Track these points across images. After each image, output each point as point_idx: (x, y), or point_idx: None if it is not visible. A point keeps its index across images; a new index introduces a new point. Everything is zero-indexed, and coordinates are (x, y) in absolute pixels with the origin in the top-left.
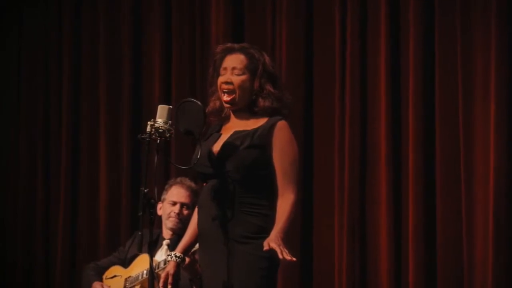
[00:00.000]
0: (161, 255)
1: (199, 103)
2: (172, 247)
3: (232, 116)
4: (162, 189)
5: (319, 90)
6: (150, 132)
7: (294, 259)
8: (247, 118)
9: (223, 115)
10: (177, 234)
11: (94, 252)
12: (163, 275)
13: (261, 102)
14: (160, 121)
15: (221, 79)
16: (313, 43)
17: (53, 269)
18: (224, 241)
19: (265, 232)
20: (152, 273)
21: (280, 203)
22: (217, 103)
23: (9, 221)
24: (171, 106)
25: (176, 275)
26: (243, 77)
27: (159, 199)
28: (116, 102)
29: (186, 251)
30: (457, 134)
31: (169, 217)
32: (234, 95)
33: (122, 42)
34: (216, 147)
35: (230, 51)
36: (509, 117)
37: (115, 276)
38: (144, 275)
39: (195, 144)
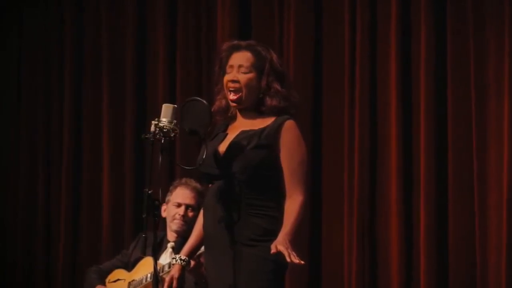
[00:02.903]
0: (165, 258)
1: (204, 102)
2: (176, 250)
3: (238, 115)
4: (166, 191)
5: (328, 89)
6: (154, 131)
7: (302, 262)
8: (254, 118)
9: (229, 114)
10: (182, 236)
11: (96, 255)
12: (167, 278)
13: (268, 101)
14: (164, 120)
15: (227, 77)
16: (321, 41)
17: (53, 269)
18: (230, 243)
19: (273, 234)
20: (156, 276)
21: (288, 204)
22: (223, 102)
23: (9, 221)
24: (176, 105)
25: (181, 278)
26: (249, 75)
27: (163, 200)
28: (119, 102)
29: (191, 254)
30: (469, 133)
31: (174, 219)
32: (240, 93)
33: (125, 41)
34: (222, 147)
35: (237, 48)
36: None
37: (118, 279)
38: (148, 279)
39: (200, 144)
